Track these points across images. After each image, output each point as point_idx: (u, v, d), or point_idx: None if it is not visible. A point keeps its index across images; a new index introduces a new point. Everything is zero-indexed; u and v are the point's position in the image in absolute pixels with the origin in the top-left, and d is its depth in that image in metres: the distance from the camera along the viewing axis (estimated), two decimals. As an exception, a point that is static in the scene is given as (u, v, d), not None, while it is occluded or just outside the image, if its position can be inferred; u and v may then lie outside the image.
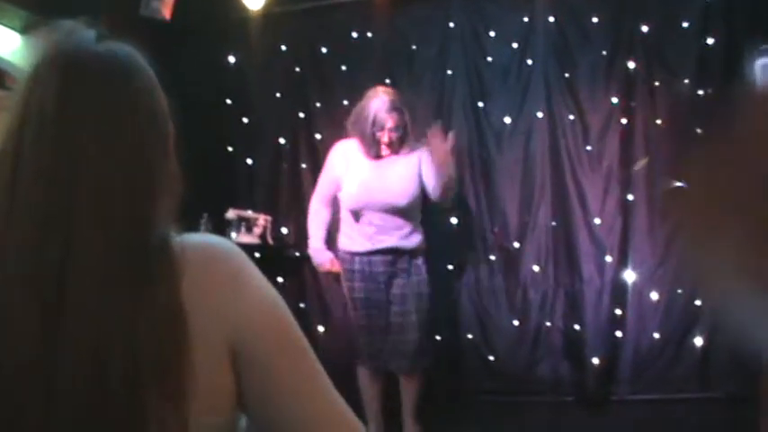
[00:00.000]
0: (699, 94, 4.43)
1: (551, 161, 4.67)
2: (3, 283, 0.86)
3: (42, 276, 0.85)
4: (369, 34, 4.98)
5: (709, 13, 4.43)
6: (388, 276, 3.89)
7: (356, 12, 4.98)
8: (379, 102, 3.79)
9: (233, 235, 4.58)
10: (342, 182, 3.94)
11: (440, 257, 4.46)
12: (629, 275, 4.54)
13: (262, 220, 4.72)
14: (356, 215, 3.89)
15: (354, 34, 5.01)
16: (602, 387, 4.52)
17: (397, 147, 3.87)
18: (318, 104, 5.07)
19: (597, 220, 4.58)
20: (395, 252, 3.88)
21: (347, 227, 3.98)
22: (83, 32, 0.97)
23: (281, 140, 5.14)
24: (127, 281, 0.87)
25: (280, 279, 4.87)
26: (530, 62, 4.75)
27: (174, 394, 0.86)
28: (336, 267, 4.03)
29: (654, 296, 4.49)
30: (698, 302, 4.32)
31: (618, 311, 4.53)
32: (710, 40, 4.43)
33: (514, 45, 4.77)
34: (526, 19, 4.74)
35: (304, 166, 5.06)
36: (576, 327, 4.60)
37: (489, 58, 4.82)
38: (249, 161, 5.20)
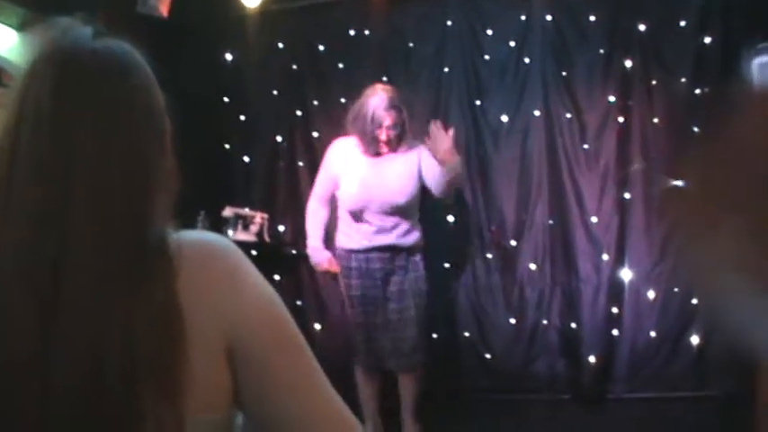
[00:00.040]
0: (696, 93, 4.44)
1: (548, 159, 4.67)
2: (0, 278, 0.86)
3: (39, 272, 0.85)
4: (366, 32, 4.97)
5: (706, 12, 4.44)
6: (386, 273, 3.89)
7: (353, 9, 4.97)
8: (377, 99, 3.79)
9: (230, 232, 4.58)
10: (340, 180, 3.94)
11: (437, 255, 4.46)
12: (626, 274, 4.55)
13: (258, 217, 4.71)
14: (355, 215, 3.89)
15: (352, 32, 5.00)
16: (599, 385, 4.52)
17: (395, 144, 3.86)
18: (315, 102, 5.07)
19: (594, 219, 4.59)
20: (392, 249, 3.88)
21: (345, 225, 3.97)
22: (80, 29, 0.97)
23: (279, 138, 5.13)
24: (123, 277, 0.87)
25: (276, 277, 4.87)
26: (527, 60, 4.75)
27: (171, 390, 0.86)
28: (334, 267, 4.01)
29: (650, 294, 4.49)
30: (694, 301, 4.32)
31: (614, 310, 4.54)
32: (708, 39, 4.43)
33: (512, 43, 4.77)
34: (523, 17, 4.74)
35: (301, 163, 5.06)
36: (573, 325, 4.60)
37: (486, 57, 4.82)
38: (246, 159, 5.19)
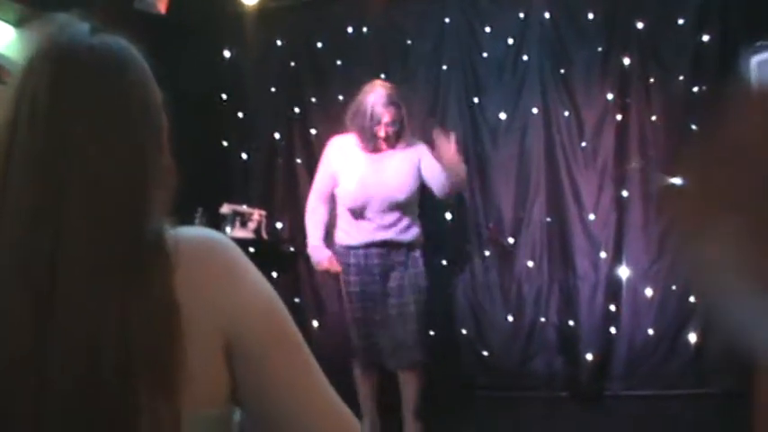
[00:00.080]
0: (694, 92, 4.45)
1: (546, 157, 4.67)
2: None
3: (35, 267, 0.85)
4: (364, 29, 4.97)
5: (704, 11, 4.45)
6: (384, 269, 3.88)
7: (352, 6, 4.98)
8: (376, 96, 3.78)
9: (227, 229, 4.58)
10: (338, 178, 3.93)
11: (435, 253, 4.46)
12: (624, 271, 4.55)
13: (256, 214, 4.71)
14: (355, 212, 3.88)
15: (350, 29, 5.00)
16: (596, 383, 4.53)
17: (393, 141, 3.86)
18: (314, 99, 5.07)
19: (592, 216, 4.59)
20: (391, 245, 3.87)
21: (344, 223, 3.96)
22: (77, 26, 0.96)
23: (276, 135, 5.13)
24: (119, 272, 0.87)
25: (274, 274, 4.87)
26: (525, 58, 4.75)
27: (167, 385, 0.87)
28: (335, 266, 3.96)
29: (648, 292, 4.50)
30: (692, 299, 4.33)
31: (612, 307, 4.55)
32: (706, 37, 4.44)
33: (510, 41, 4.77)
34: (522, 15, 4.75)
35: (299, 160, 5.06)
36: (571, 322, 4.61)
37: (485, 54, 4.82)
38: (244, 156, 5.19)
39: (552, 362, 4.64)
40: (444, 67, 4.86)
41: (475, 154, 4.76)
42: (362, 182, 3.83)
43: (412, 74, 4.89)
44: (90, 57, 0.93)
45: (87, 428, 0.84)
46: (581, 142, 4.64)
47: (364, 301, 3.88)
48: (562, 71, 4.67)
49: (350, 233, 3.92)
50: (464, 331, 4.76)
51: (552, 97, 4.68)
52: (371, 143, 3.83)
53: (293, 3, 5.01)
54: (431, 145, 3.84)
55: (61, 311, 0.85)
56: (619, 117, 4.56)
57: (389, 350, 3.87)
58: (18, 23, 3.72)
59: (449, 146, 3.73)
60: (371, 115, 3.76)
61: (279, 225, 5.05)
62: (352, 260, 3.90)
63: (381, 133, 3.79)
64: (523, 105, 4.73)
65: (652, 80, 4.52)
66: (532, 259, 4.69)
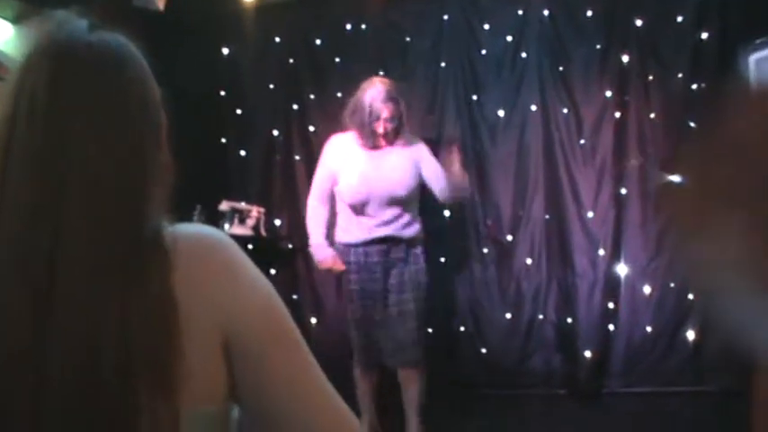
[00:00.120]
0: (693, 89, 4.45)
1: (545, 154, 4.68)
2: None
3: (34, 265, 0.85)
4: (363, 26, 4.97)
5: (703, 8, 4.45)
6: (385, 267, 3.87)
7: (350, 3, 4.97)
8: (374, 91, 3.78)
9: (226, 226, 4.57)
10: (338, 176, 3.91)
11: (433, 250, 4.44)
12: (622, 269, 4.56)
13: (255, 211, 4.71)
14: (356, 208, 3.87)
15: (348, 26, 5.00)
16: (595, 380, 4.54)
17: (392, 137, 3.85)
18: (312, 96, 5.06)
19: (590, 214, 4.60)
20: (391, 241, 3.86)
21: (345, 220, 3.95)
22: (75, 22, 0.96)
23: (275, 132, 5.13)
24: (118, 270, 0.87)
25: (272, 271, 4.87)
26: (524, 55, 4.75)
27: (167, 384, 0.86)
28: (338, 264, 3.92)
29: (646, 290, 4.51)
30: (690, 296, 4.33)
31: (610, 305, 4.55)
32: (705, 35, 4.44)
33: (509, 38, 4.77)
34: (520, 12, 4.75)
35: (297, 158, 5.06)
36: (569, 320, 4.61)
37: (483, 51, 4.82)
38: (242, 153, 5.19)
39: (551, 359, 4.64)
40: (443, 65, 4.86)
41: (473, 151, 4.76)
42: (363, 177, 3.82)
43: (410, 71, 4.89)
44: (88, 54, 0.93)
45: (86, 427, 0.84)
46: (580, 140, 4.64)
47: (364, 300, 3.87)
48: (561, 68, 4.67)
49: (349, 231, 3.91)
50: (462, 328, 4.77)
51: (551, 94, 4.68)
52: (371, 140, 3.82)
53: (292, 0, 5.00)
54: (431, 146, 3.87)
55: (60, 309, 0.84)
56: (617, 114, 4.57)
57: (389, 349, 3.86)
58: (16, 20, 3.71)
59: (454, 161, 3.78)
60: (370, 111, 3.75)
61: (277, 222, 5.05)
62: (352, 258, 3.89)
63: (380, 129, 3.78)
64: (522, 103, 4.74)
65: (651, 77, 4.53)
66: (531, 256, 4.70)
